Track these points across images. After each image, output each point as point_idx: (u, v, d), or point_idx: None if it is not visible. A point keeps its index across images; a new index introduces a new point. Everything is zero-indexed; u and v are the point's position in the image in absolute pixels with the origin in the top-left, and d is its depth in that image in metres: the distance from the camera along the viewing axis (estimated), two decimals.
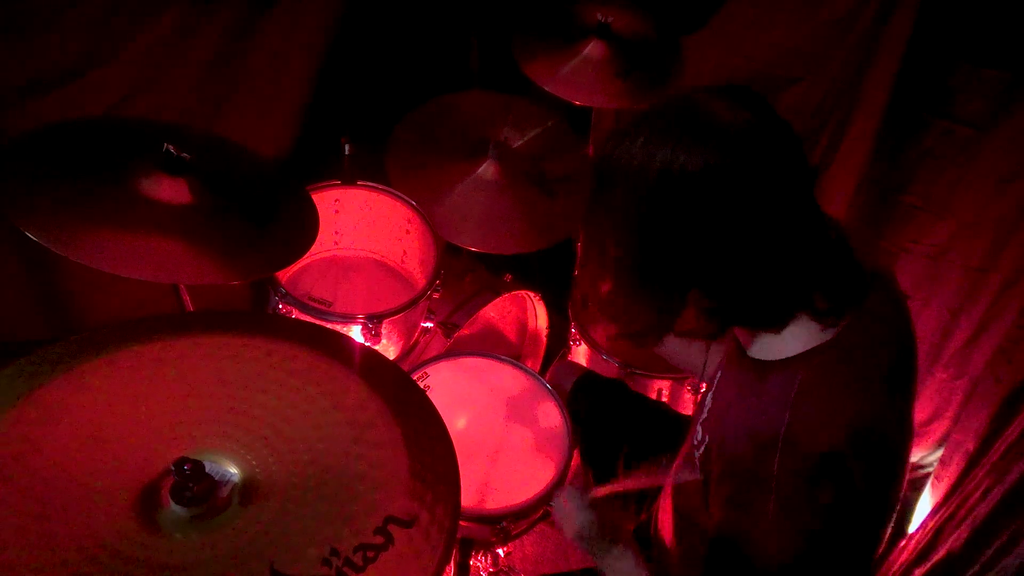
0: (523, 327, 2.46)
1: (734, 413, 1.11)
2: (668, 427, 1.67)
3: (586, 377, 1.85)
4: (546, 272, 2.54)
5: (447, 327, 2.11)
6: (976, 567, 1.48)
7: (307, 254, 1.59)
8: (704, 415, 1.20)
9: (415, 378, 1.79)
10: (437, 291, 2.02)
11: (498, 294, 2.17)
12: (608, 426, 1.73)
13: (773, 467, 0.97)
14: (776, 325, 1.05)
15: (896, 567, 1.88)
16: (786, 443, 0.97)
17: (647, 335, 1.13)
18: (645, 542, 1.47)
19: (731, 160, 0.94)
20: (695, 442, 1.19)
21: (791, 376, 1.02)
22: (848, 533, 1.00)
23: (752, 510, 0.99)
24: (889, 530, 1.08)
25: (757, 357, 1.09)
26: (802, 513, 0.96)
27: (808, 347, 1.03)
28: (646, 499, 1.55)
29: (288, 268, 2.10)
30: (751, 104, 0.97)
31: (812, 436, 0.98)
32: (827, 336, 1.03)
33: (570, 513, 1.32)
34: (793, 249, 0.99)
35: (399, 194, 2.10)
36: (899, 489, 1.07)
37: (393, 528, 0.88)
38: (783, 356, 1.05)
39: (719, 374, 1.25)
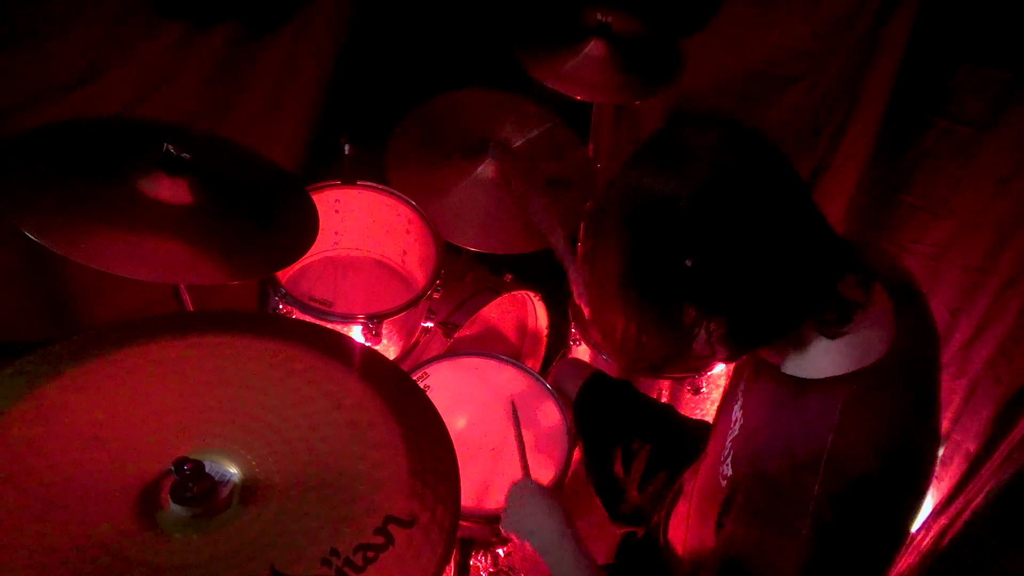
0: (523, 327, 2.46)
1: (768, 430, 1.09)
2: (674, 430, 1.66)
3: (595, 377, 1.83)
4: (546, 272, 2.54)
5: (447, 327, 2.11)
6: (973, 564, 1.48)
7: (307, 254, 1.59)
8: (735, 431, 1.18)
9: (415, 378, 1.79)
10: (437, 291, 2.01)
11: (498, 294, 2.17)
12: (616, 427, 1.73)
13: (813, 489, 0.96)
14: (784, 336, 1.04)
15: (896, 567, 1.88)
16: (828, 465, 0.96)
17: (663, 366, 1.12)
18: (655, 546, 1.47)
19: (709, 181, 0.94)
20: (722, 457, 1.17)
21: (833, 397, 1.00)
22: (875, 552, 1.00)
23: (782, 531, 0.98)
24: (907, 541, 1.08)
25: (792, 374, 1.07)
26: (834, 535, 0.95)
27: (849, 369, 1.02)
28: (660, 502, 1.55)
29: (288, 268, 2.10)
30: (718, 123, 0.99)
31: (854, 459, 0.97)
32: (870, 359, 1.02)
33: (527, 518, 1.31)
34: (791, 257, 0.98)
35: (399, 194, 2.10)
36: (922, 502, 1.07)
37: (393, 528, 0.88)
38: (823, 375, 1.03)
39: (742, 387, 1.23)
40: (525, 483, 1.40)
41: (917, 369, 1.07)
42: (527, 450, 1.65)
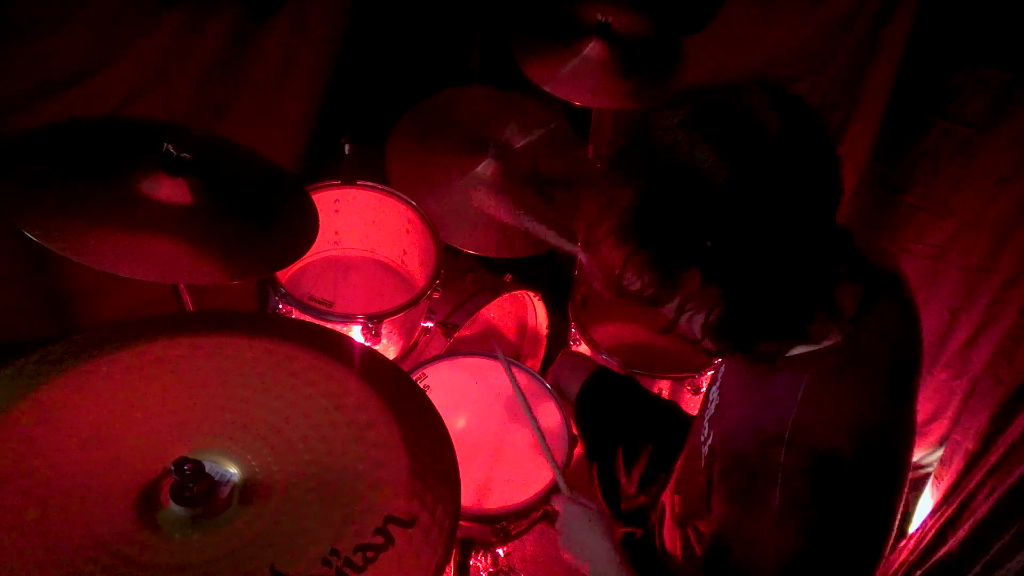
0: (523, 327, 2.46)
1: (739, 407, 1.11)
2: (678, 428, 1.66)
3: (598, 374, 1.83)
4: (546, 272, 2.54)
5: (447, 327, 2.11)
6: (978, 568, 1.48)
7: (307, 254, 1.59)
8: (711, 411, 1.19)
9: (415, 378, 1.79)
10: (437, 291, 2.01)
11: (498, 294, 2.17)
12: (619, 426, 1.72)
13: (779, 462, 0.97)
14: (797, 335, 1.03)
15: (896, 567, 1.88)
16: (792, 439, 0.97)
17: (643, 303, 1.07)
18: (652, 546, 1.47)
19: (763, 171, 0.91)
20: (701, 438, 1.18)
21: (798, 374, 1.02)
22: (847, 535, 0.99)
23: (754, 506, 0.99)
24: (893, 535, 1.08)
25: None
26: (803, 511, 0.96)
27: (818, 347, 1.03)
28: (654, 500, 1.55)
29: (288, 268, 2.10)
30: (794, 113, 0.95)
31: (817, 435, 0.98)
32: (837, 338, 1.03)
33: (587, 541, 1.29)
34: (810, 259, 0.97)
35: (399, 194, 2.10)
36: (901, 493, 1.07)
37: (393, 528, 0.88)
38: (792, 353, 1.04)
39: (722, 369, 1.24)
40: (581, 506, 1.36)
41: (891, 355, 1.07)
42: (527, 451, 1.65)
